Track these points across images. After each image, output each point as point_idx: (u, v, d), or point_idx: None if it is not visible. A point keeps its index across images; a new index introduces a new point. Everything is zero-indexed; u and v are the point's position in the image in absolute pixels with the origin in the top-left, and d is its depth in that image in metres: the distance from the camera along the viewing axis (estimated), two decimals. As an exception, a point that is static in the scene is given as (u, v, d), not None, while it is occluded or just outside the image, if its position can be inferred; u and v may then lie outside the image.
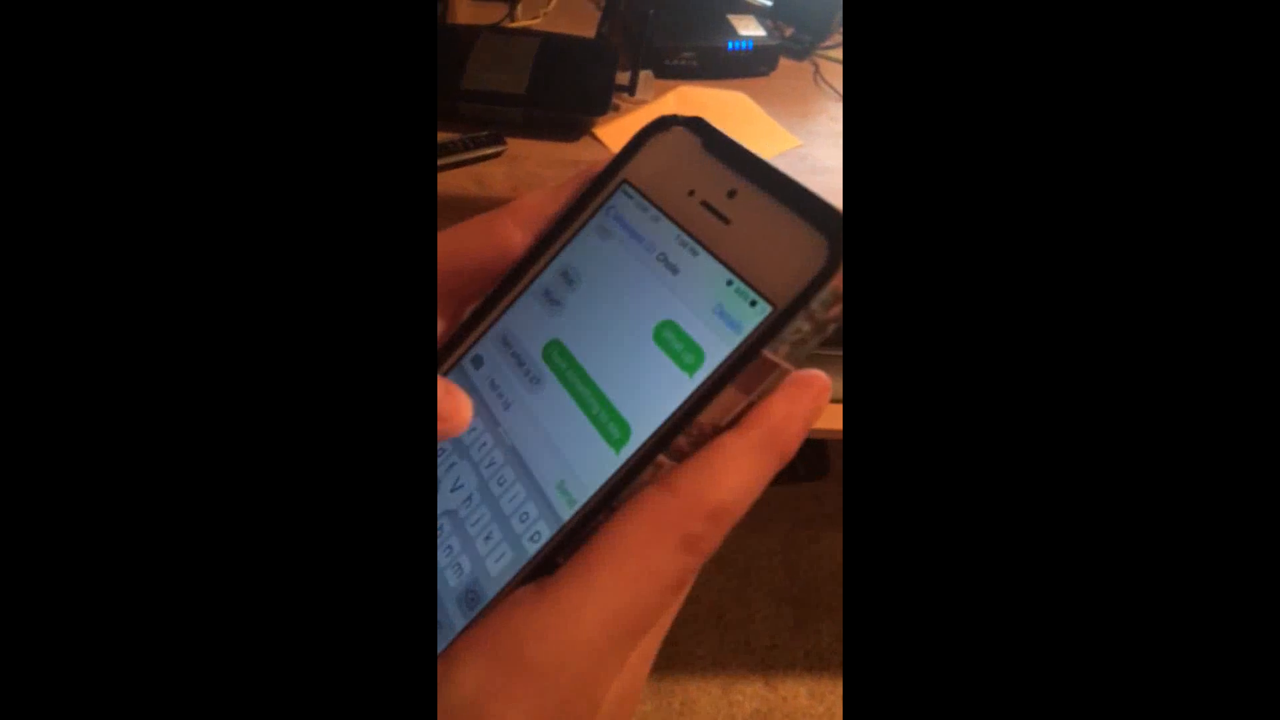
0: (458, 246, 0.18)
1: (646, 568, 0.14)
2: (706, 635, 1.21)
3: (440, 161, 0.83)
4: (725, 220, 0.17)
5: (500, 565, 0.16)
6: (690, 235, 0.17)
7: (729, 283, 0.16)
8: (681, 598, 0.15)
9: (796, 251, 0.15)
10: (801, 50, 1.02)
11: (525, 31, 0.98)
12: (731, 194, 0.17)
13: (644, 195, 0.18)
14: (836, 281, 0.15)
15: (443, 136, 0.85)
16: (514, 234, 0.18)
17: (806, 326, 0.15)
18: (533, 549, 0.16)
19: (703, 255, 0.16)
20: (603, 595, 0.13)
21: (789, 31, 1.03)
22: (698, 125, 0.18)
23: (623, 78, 0.91)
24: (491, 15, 1.02)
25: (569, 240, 0.18)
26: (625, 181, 0.18)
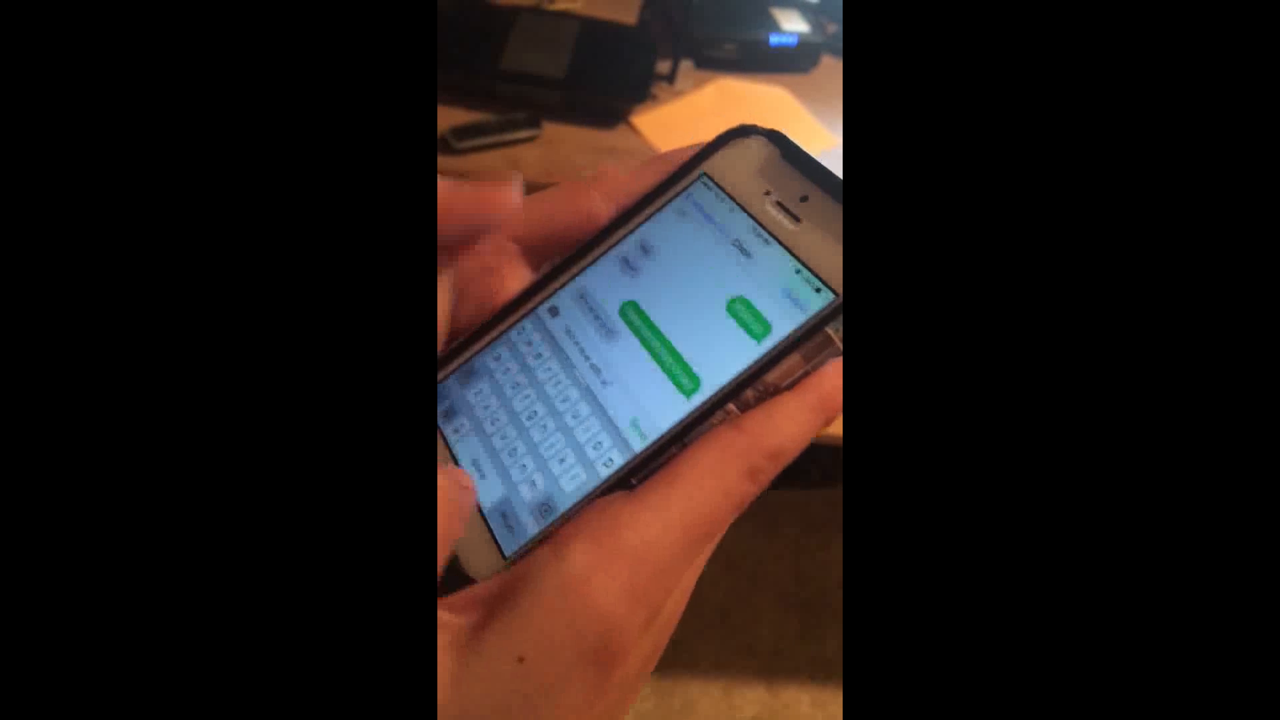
0: (548, 211, 0.20)
1: (719, 486, 0.16)
2: (710, 636, 1.20)
3: (474, 142, 0.82)
4: (796, 219, 0.19)
5: (574, 484, 0.18)
6: (763, 228, 0.20)
7: (797, 271, 0.19)
8: (732, 519, 0.17)
9: None
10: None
11: (566, 14, 0.96)
12: (804, 199, 0.20)
13: (722, 188, 0.20)
14: None
15: (478, 116, 0.84)
16: (599, 205, 0.20)
17: None
18: (606, 473, 0.18)
19: (775, 246, 0.19)
20: (684, 502, 0.16)
21: (832, 28, 1.02)
22: (777, 138, 0.21)
23: (663, 66, 0.90)
24: (531, -4, 1.01)
25: (649, 217, 0.21)
26: (705, 174, 0.21)
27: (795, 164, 0.20)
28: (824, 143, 0.89)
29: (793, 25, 0.97)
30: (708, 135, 0.21)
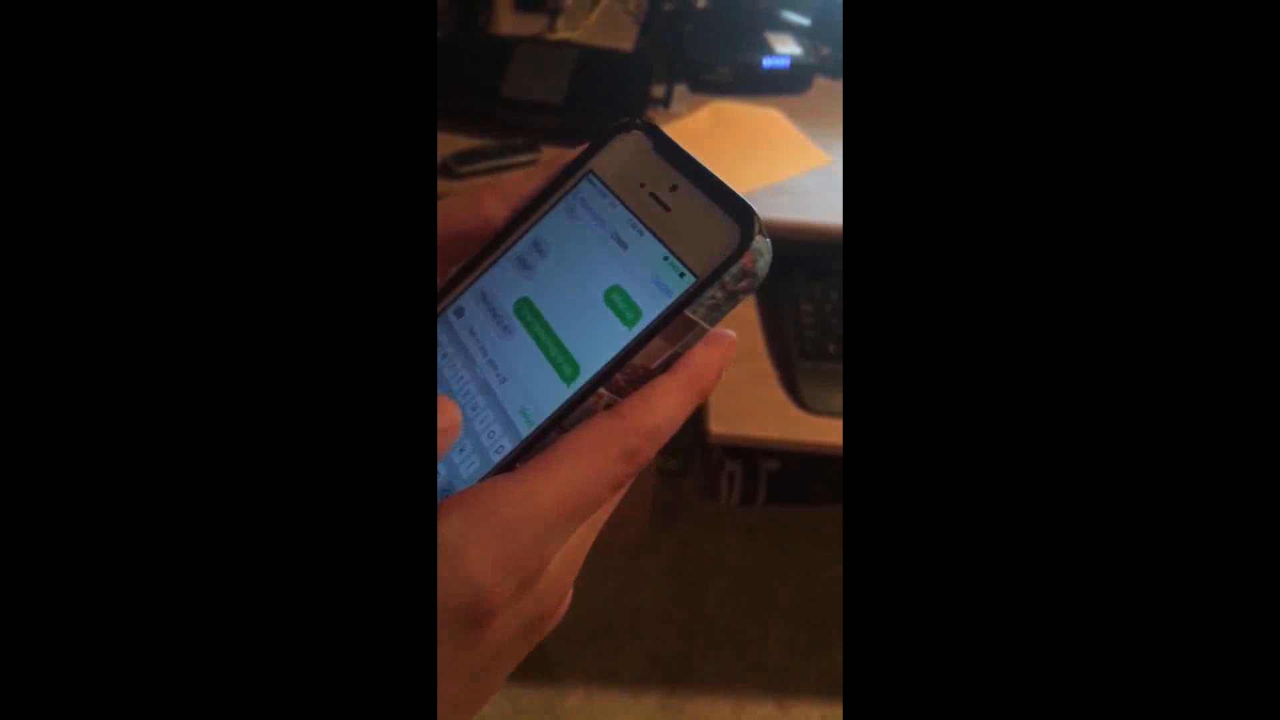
0: (448, 216, 0.22)
1: (594, 466, 0.18)
2: (719, 653, 1.20)
3: (475, 166, 0.85)
4: (666, 208, 0.21)
5: (470, 470, 0.20)
6: (638, 219, 0.21)
7: (665, 258, 0.20)
8: (617, 498, 0.19)
9: (717, 235, 0.19)
10: (837, 69, 1.03)
11: (565, 43, 1.00)
12: (673, 188, 0.21)
13: (605, 184, 0.22)
14: (745, 260, 0.19)
15: (479, 143, 0.87)
16: (495, 208, 0.22)
17: (720, 294, 0.19)
18: (497, 458, 0.20)
19: (646, 235, 0.20)
20: (559, 481, 0.17)
21: (825, 51, 1.04)
22: (651, 130, 0.22)
23: (659, 91, 0.93)
24: (533, 26, 1.04)
25: (541, 217, 0.22)
26: (590, 172, 0.22)
27: (665, 155, 0.21)
28: (816, 160, 0.91)
29: (786, 48, 1.00)
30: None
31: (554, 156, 0.23)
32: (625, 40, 1.02)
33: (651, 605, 1.23)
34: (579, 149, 0.22)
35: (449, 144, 0.87)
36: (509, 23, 1.05)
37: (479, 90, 0.89)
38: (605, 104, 0.89)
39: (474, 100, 0.89)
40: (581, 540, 0.19)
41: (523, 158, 0.86)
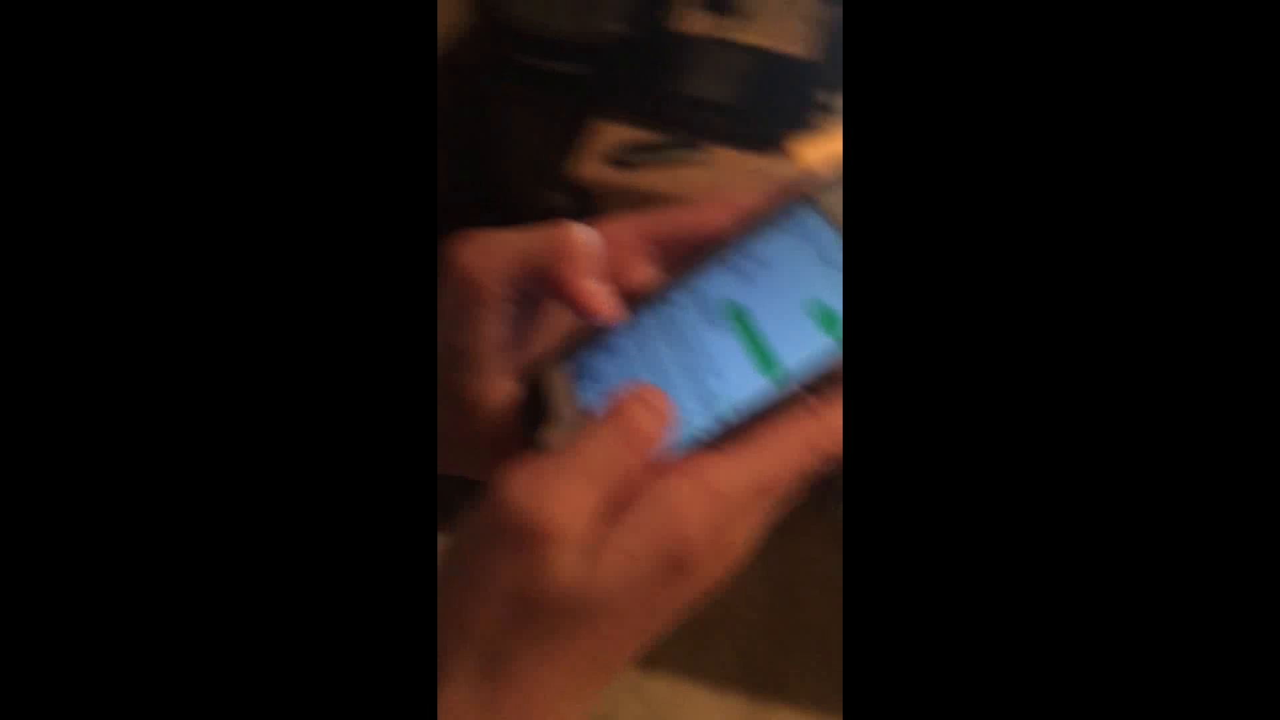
0: (678, 221, 0.25)
1: (785, 452, 0.21)
2: (810, 666, 1.19)
3: (644, 158, 0.88)
4: None
5: (674, 442, 0.22)
6: None
7: None
8: (796, 486, 0.21)
9: None
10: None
11: (739, 45, 1.01)
12: None
13: (820, 211, 0.24)
14: None
15: (646, 136, 0.89)
16: (719, 219, 0.25)
17: None
18: (697, 436, 0.22)
19: None
20: (756, 461, 0.21)
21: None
22: None
23: (830, 97, 0.92)
24: (710, 24, 1.06)
25: (757, 231, 0.25)
26: (809, 199, 0.25)
27: None
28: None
29: (964, 66, 0.97)
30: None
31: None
32: (801, 44, 1.02)
33: (745, 608, 1.24)
34: (801, 183, 0.25)
35: (618, 133, 0.90)
36: (687, 20, 1.06)
37: (651, 85, 0.92)
38: (776, 108, 0.90)
39: (645, 95, 0.92)
40: (760, 520, 0.22)
41: (688, 155, 0.88)
